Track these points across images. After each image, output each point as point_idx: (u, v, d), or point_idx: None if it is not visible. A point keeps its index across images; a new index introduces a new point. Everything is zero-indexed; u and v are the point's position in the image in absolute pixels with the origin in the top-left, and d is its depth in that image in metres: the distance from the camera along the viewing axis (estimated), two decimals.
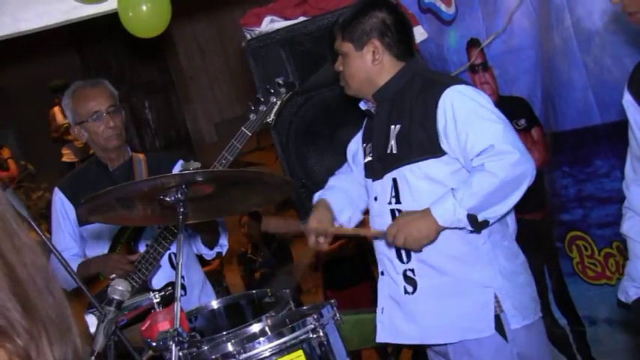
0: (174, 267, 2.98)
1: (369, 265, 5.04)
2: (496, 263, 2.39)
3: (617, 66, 2.67)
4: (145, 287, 2.90)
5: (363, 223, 2.75)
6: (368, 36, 2.49)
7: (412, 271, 2.45)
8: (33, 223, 2.08)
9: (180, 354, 1.94)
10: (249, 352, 2.08)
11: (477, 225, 2.28)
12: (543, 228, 3.22)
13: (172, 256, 3.00)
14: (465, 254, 2.39)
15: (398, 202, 2.46)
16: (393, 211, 2.47)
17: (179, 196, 2.11)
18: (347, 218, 2.68)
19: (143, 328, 2.11)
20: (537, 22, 2.99)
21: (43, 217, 6.27)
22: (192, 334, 2.02)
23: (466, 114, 2.31)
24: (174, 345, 1.93)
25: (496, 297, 2.37)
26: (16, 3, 3.47)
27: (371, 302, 3.36)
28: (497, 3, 3.13)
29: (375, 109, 2.57)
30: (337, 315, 2.26)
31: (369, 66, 2.50)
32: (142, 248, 2.97)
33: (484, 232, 2.36)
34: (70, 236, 3.09)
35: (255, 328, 2.27)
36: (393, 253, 2.49)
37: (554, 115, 3.01)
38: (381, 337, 2.57)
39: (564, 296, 3.22)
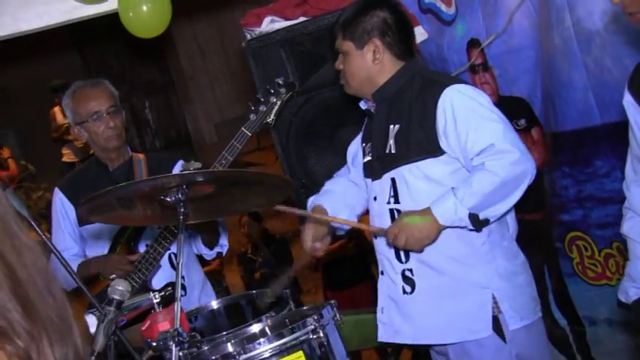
0: (174, 267, 2.98)
1: (369, 265, 5.04)
2: (494, 264, 2.39)
3: (618, 66, 2.67)
4: (145, 287, 2.89)
5: (363, 221, 2.75)
6: (369, 35, 2.49)
7: (411, 270, 2.45)
8: (33, 223, 2.08)
9: (180, 354, 1.94)
10: (249, 352, 2.08)
11: (478, 224, 2.28)
12: (543, 228, 3.22)
13: (172, 256, 2.99)
14: (463, 255, 2.39)
15: (397, 201, 2.45)
16: (391, 211, 2.47)
17: (179, 196, 2.11)
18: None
19: (143, 328, 2.11)
20: (537, 23, 2.99)
21: (43, 217, 6.27)
22: (192, 334, 2.02)
23: (466, 113, 2.31)
24: (174, 345, 1.93)
25: (494, 298, 2.36)
26: (17, 3, 3.47)
27: (371, 302, 3.36)
28: (497, 3, 3.13)
29: (374, 108, 2.57)
30: (337, 315, 2.26)
31: (369, 65, 2.50)
32: (142, 248, 2.97)
33: (483, 232, 2.36)
34: (70, 236, 3.09)
35: (255, 328, 2.27)
36: (392, 252, 2.49)
37: (554, 115, 3.01)
38: (382, 336, 2.57)
39: (564, 296, 3.22)
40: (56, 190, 3.13)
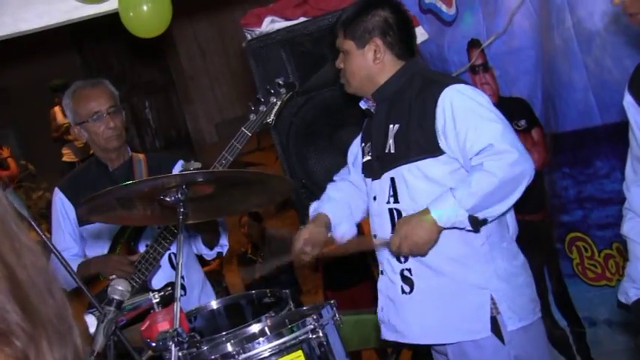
0: (174, 267, 2.98)
1: (369, 265, 5.03)
2: (493, 265, 2.39)
3: (618, 67, 2.67)
4: (145, 287, 2.89)
5: (363, 222, 2.76)
6: (370, 34, 2.49)
7: (409, 270, 2.45)
8: (33, 223, 2.08)
9: (180, 354, 1.94)
10: (248, 352, 2.08)
11: (476, 224, 2.28)
12: (543, 229, 3.22)
13: (172, 256, 2.99)
14: (462, 256, 2.39)
15: (396, 201, 2.45)
16: (391, 211, 2.47)
17: (179, 196, 2.11)
18: (341, 233, 2.67)
19: (143, 329, 2.11)
20: (538, 23, 2.99)
21: (43, 217, 6.27)
22: (192, 334, 2.02)
23: (465, 113, 2.31)
24: (173, 345, 1.93)
25: (492, 299, 2.36)
26: (17, 3, 3.47)
27: (371, 302, 3.36)
28: (497, 3, 3.13)
29: (374, 108, 2.57)
30: (337, 315, 2.26)
31: (370, 64, 2.50)
32: (142, 248, 2.97)
33: (482, 233, 2.36)
34: (70, 236, 3.09)
35: (255, 328, 2.27)
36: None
37: (555, 116, 3.01)
38: (386, 334, 2.57)
39: (564, 297, 3.22)
40: (56, 190, 3.13)
